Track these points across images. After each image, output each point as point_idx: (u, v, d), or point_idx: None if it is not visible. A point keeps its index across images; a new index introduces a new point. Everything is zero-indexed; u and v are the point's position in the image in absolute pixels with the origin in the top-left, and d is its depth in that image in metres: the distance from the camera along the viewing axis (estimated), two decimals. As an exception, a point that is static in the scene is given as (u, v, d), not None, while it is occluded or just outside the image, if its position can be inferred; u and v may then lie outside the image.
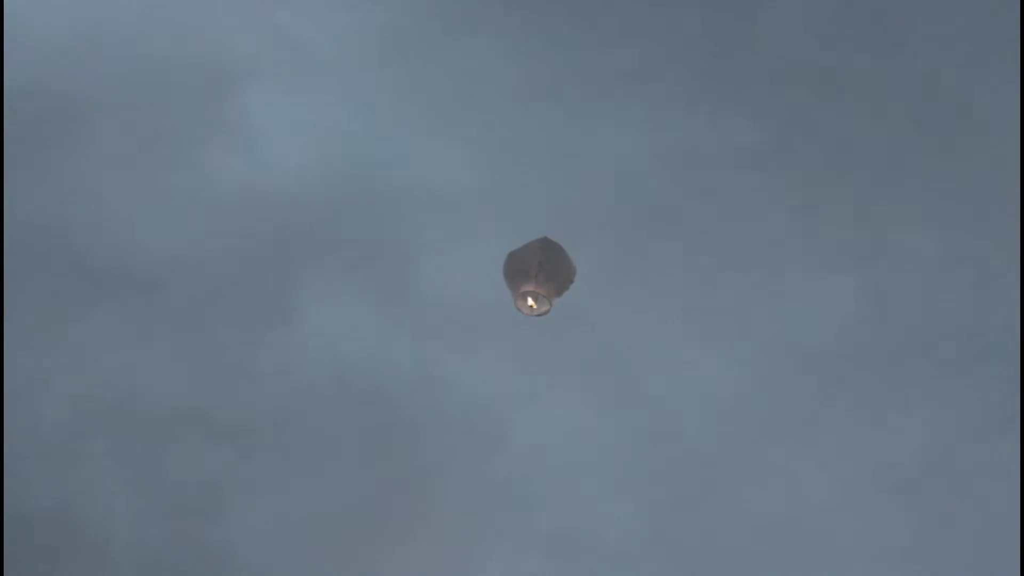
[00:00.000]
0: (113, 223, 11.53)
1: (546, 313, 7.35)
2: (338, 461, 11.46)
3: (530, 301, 7.19)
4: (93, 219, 11.48)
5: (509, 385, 11.43)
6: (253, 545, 11.39)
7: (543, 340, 11.28)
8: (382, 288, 11.57)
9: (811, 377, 11.12)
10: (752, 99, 11.48)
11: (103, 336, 11.45)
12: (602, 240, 11.46)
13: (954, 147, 11.10)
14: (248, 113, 11.70)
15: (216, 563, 11.36)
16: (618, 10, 11.69)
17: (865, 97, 11.40)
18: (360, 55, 11.87)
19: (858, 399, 11.05)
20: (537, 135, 11.64)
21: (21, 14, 11.48)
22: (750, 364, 11.24)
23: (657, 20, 11.62)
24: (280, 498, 11.44)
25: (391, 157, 11.72)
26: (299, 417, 11.51)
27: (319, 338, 11.58)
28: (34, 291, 11.23)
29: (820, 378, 11.12)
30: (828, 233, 11.19)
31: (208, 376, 11.51)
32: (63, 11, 11.62)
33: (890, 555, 10.93)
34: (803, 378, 11.14)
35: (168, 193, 11.60)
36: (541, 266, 7.08)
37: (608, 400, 11.36)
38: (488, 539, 11.34)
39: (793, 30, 11.51)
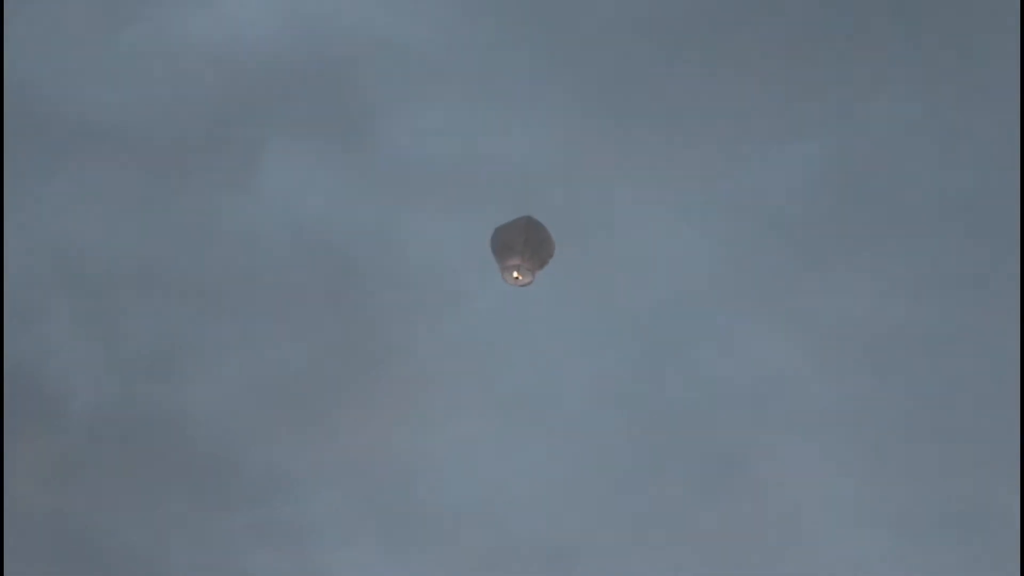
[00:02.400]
0: (77, 83, 11.37)
1: (529, 283, 8.12)
2: (296, 322, 11.44)
3: (515, 274, 8.03)
4: (57, 79, 11.32)
5: (470, 246, 11.40)
6: (210, 403, 11.38)
7: (508, 203, 11.25)
8: (344, 149, 11.50)
9: (776, 242, 11.17)
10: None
11: (65, 196, 11.33)
12: (568, 107, 11.44)
13: (920, 15, 11.13)
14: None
15: (173, 420, 11.35)
16: None
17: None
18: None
19: (822, 263, 11.11)
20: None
21: None
22: (716, 229, 11.29)
23: None
24: (237, 357, 11.43)
25: (358, 19, 11.60)
26: (258, 278, 11.46)
27: (280, 199, 11.52)
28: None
29: (785, 243, 11.17)
30: (795, 101, 11.21)
31: (169, 237, 11.43)
32: None
33: (850, 417, 11.10)
34: (768, 243, 11.19)
35: (132, 54, 11.44)
36: (526, 243, 7.92)
37: (571, 262, 11.37)
38: (444, 399, 11.39)
39: None
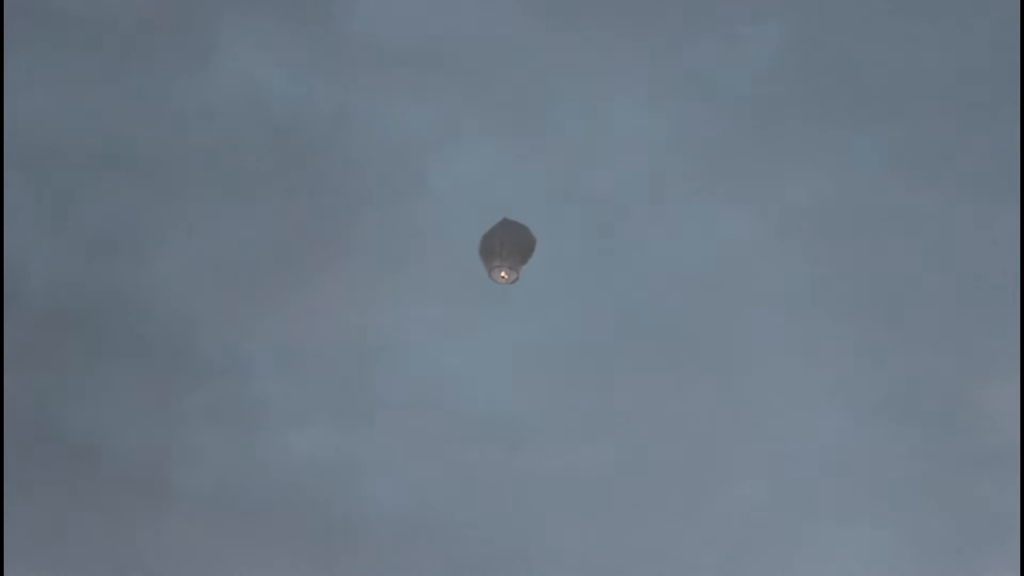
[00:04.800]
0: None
1: (516, 280, 8.60)
2: (255, 203, 11.33)
3: (502, 273, 8.49)
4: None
5: (427, 129, 11.29)
6: (166, 284, 11.30)
7: (467, 83, 11.16)
8: (305, 26, 11.34)
9: (736, 123, 11.03)
10: None
11: (21, 76, 11.21)
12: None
13: None
14: None
15: (129, 301, 11.28)
16: None
17: None
18: None
19: (782, 143, 10.98)
20: None
21: None
22: (672, 110, 11.15)
23: None
24: (194, 238, 11.33)
25: None
26: (216, 158, 11.34)
27: (238, 78, 11.38)
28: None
29: (745, 124, 11.03)
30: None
31: (125, 116, 11.32)
32: None
33: (808, 297, 11.01)
34: (728, 124, 11.05)
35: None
36: (503, 245, 8.43)
37: (527, 144, 11.26)
38: (401, 282, 11.30)
39: None
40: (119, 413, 11.23)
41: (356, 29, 11.29)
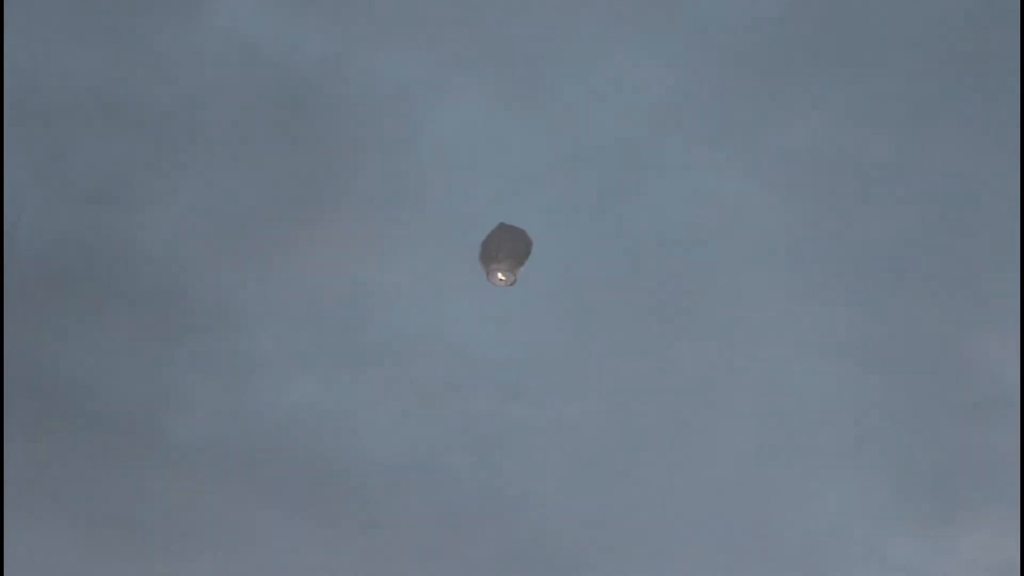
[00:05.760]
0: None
1: (514, 282, 8.84)
2: (248, 152, 11.28)
3: (500, 276, 8.71)
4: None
5: (422, 77, 11.25)
6: (158, 233, 11.25)
7: (459, 31, 11.11)
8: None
9: (734, 73, 11.03)
10: None
11: (12, 26, 11.09)
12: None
13: None
14: None
15: (120, 250, 11.23)
16: None
17: None
18: None
19: (773, 95, 10.99)
20: None
21: None
22: (667, 60, 11.13)
23: None
24: (187, 187, 11.27)
25: None
26: (208, 107, 11.27)
27: (229, 24, 11.29)
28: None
29: (743, 74, 11.03)
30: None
31: (118, 65, 11.23)
32: None
33: (807, 249, 11.04)
34: (725, 74, 11.04)
35: None
36: (499, 249, 8.67)
37: (521, 96, 11.23)
38: (395, 232, 11.28)
39: None
40: (112, 362, 11.22)
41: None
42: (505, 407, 11.33)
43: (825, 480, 11.21)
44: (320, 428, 11.34)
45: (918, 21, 10.84)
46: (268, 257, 11.28)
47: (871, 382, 10.98)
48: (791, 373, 11.09)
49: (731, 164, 11.06)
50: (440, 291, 11.33)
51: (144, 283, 11.23)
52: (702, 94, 11.04)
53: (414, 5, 11.12)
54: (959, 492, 10.90)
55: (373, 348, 11.32)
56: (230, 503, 11.30)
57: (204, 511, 11.28)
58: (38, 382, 11.09)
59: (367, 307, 11.33)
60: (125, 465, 11.21)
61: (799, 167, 10.97)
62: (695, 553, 11.30)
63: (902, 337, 10.92)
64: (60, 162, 11.28)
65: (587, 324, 11.28)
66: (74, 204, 11.24)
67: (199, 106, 11.27)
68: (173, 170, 11.28)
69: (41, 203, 11.21)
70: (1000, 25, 10.47)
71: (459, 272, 11.23)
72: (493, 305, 11.25)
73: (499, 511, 11.38)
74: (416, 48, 11.18)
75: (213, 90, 11.25)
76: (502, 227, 8.84)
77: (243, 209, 11.27)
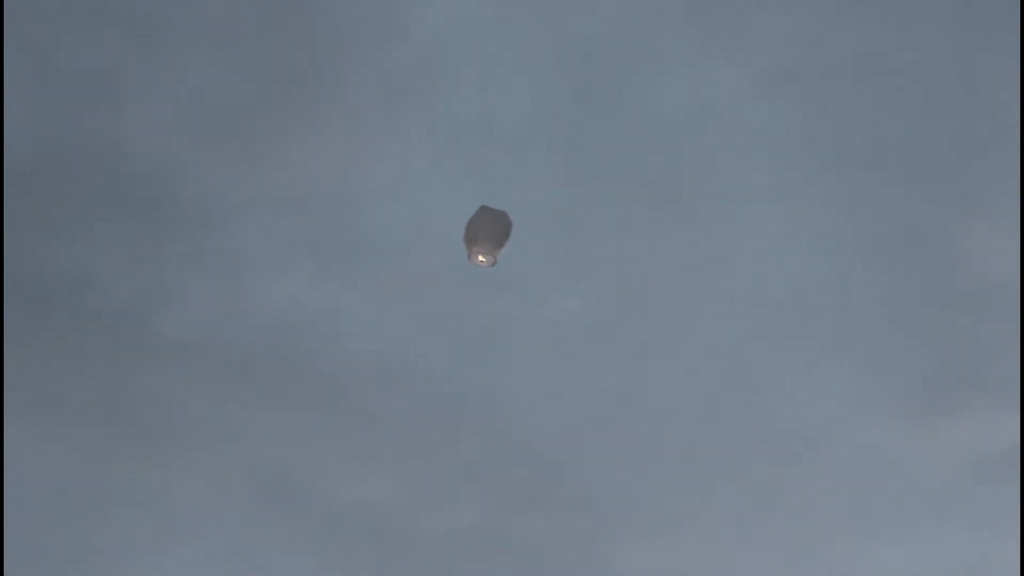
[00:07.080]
0: None
1: (495, 263, 8.99)
2: (235, 50, 11.22)
3: (481, 257, 8.89)
4: None
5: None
6: (145, 131, 11.20)
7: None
8: None
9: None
10: None
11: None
12: None
13: None
14: None
15: (107, 148, 11.18)
16: None
17: None
18: None
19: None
20: None
21: None
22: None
23: None
24: (174, 86, 11.21)
25: None
26: (195, 4, 11.19)
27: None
28: None
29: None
30: None
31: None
32: None
33: (788, 144, 10.98)
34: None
35: None
36: (479, 231, 8.86)
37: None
38: (384, 129, 11.22)
39: None
40: (96, 260, 11.20)
41: None
42: (494, 302, 11.31)
43: (815, 373, 11.20)
44: (309, 324, 11.35)
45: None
46: (258, 154, 11.24)
47: (862, 273, 10.94)
48: (781, 266, 11.07)
49: (718, 56, 10.97)
50: (427, 188, 11.29)
51: (133, 181, 11.21)
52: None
53: None
54: (950, 383, 10.86)
55: (362, 245, 11.30)
56: (219, 399, 11.33)
57: (193, 407, 11.31)
58: (26, 281, 11.09)
59: (356, 204, 11.30)
60: (115, 362, 11.23)
61: (786, 59, 10.89)
62: (685, 447, 11.31)
63: (893, 228, 10.85)
64: (46, 60, 11.23)
65: (572, 217, 11.24)
66: (60, 102, 11.20)
67: (185, 3, 11.21)
68: (160, 68, 11.23)
69: (27, 101, 11.18)
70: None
71: (447, 169, 11.21)
72: (483, 202, 11.19)
73: (488, 407, 11.39)
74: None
75: (199, -15, 11.18)
76: (484, 210, 8.97)
77: (231, 107, 11.22)
